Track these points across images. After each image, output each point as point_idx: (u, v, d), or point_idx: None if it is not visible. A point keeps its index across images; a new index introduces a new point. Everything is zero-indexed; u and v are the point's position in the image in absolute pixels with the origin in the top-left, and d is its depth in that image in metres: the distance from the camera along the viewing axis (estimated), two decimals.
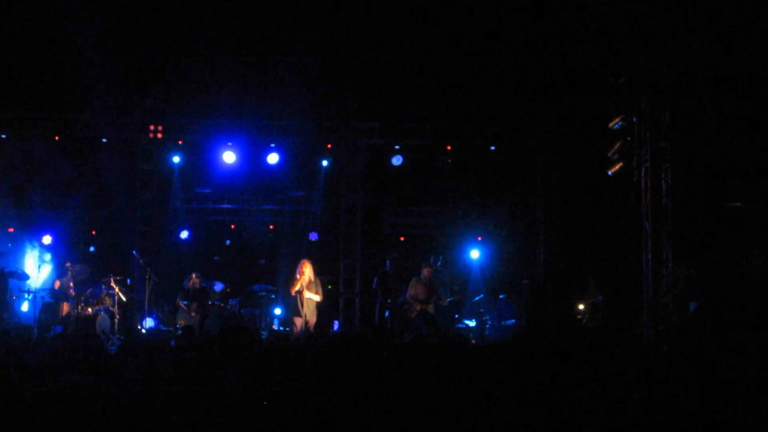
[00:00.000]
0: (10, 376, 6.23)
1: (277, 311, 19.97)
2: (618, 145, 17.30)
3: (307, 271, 17.16)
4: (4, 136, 19.72)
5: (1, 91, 18.96)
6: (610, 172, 17.51)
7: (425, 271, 18.45)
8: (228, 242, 22.62)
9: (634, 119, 17.08)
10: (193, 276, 19.23)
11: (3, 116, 19.64)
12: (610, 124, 17.40)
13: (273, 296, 19.90)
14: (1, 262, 18.38)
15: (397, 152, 20.78)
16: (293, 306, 17.22)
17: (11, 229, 20.64)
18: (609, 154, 17.46)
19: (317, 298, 17.17)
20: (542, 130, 20.72)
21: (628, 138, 17.17)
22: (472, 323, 19.63)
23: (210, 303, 19.14)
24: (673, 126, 17.05)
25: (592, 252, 19.65)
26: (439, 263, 19.34)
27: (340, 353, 6.10)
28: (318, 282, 17.37)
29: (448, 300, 19.01)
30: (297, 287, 17.04)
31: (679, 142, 16.98)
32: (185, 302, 18.98)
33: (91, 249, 21.33)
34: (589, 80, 18.32)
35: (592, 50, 17.82)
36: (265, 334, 18.44)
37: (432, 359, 6.78)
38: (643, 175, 17.00)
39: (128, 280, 19.30)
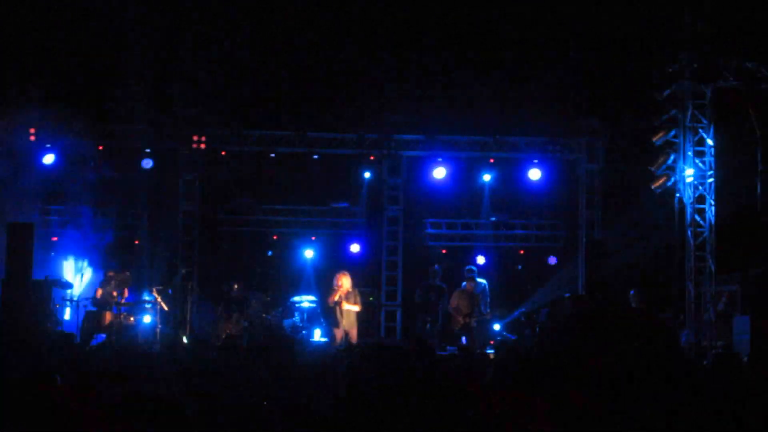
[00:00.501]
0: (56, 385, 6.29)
1: (318, 322, 19.96)
2: (662, 159, 17.18)
3: (344, 283, 17.16)
4: (48, 145, 19.86)
5: (46, 101, 19.19)
6: (654, 187, 17.39)
7: (468, 284, 18.42)
8: (270, 253, 22.69)
9: (678, 133, 16.99)
10: (235, 286, 19.28)
11: (48, 126, 19.78)
12: (655, 139, 17.29)
13: (314, 307, 19.89)
14: (45, 271, 18.52)
15: (440, 164, 20.66)
16: (332, 317, 17.24)
17: (54, 238, 20.83)
18: (653, 169, 17.32)
19: (356, 308, 17.17)
20: (586, 143, 20.61)
21: (672, 152, 17.08)
22: (512, 337, 19.52)
23: (251, 313, 19.16)
24: (717, 140, 16.96)
25: (634, 266, 19.51)
26: (475, 275, 19.12)
27: (376, 364, 6.09)
28: (356, 292, 17.36)
29: (489, 314, 18.95)
30: (335, 298, 17.06)
31: (723, 156, 16.90)
32: (227, 312, 19.01)
33: (133, 258, 21.42)
34: (634, 94, 18.27)
35: (637, 63, 17.79)
36: (306, 344, 18.44)
37: (475, 371, 6.76)
38: (686, 189, 16.92)
39: (170, 290, 19.37)
